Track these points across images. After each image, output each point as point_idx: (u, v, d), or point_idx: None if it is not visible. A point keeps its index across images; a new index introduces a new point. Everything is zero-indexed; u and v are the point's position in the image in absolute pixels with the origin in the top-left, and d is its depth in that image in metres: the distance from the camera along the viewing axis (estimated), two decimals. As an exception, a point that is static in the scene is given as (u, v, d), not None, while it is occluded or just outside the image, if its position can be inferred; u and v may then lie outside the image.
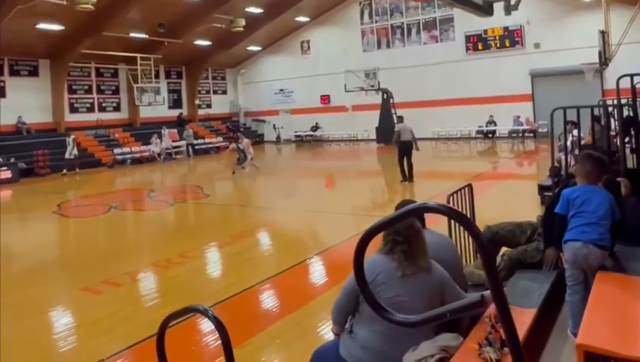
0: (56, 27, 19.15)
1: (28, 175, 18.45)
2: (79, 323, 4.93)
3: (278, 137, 29.34)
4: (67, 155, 19.24)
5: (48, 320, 5.13)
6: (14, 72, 20.97)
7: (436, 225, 3.17)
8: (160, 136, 22.92)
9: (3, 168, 17.67)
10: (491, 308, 2.36)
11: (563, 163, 5.92)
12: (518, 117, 21.99)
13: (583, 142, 6.36)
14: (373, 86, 24.42)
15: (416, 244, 2.54)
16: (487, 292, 1.16)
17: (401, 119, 12.85)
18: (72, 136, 19.65)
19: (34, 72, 21.59)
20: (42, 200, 14.40)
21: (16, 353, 4.32)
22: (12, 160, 18.40)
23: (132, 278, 6.20)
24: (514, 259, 3.45)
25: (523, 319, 2.42)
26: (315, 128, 28.18)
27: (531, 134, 21.78)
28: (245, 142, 16.50)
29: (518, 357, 1.07)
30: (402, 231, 2.53)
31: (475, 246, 1.16)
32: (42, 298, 5.76)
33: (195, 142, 24.94)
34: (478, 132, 23.27)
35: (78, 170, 19.41)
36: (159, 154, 22.46)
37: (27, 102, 21.04)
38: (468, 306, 1.25)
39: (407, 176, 11.84)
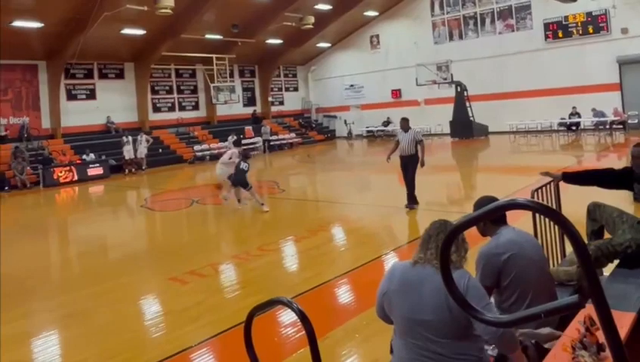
0: (139, 32, 20.27)
1: (117, 171, 19.63)
2: (168, 310, 5.20)
3: (350, 133, 29.42)
4: (127, 156, 19.63)
5: (140, 307, 5.46)
6: (103, 75, 22.40)
7: (515, 222, 3.08)
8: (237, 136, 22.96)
9: (95, 165, 18.99)
10: (585, 309, 2.27)
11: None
12: (594, 109, 20.53)
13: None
14: (445, 79, 23.81)
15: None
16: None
17: (404, 122, 9.10)
18: (128, 138, 19.81)
19: (120, 75, 22.97)
20: (131, 195, 15.40)
21: (110, 336, 4.62)
22: (103, 157, 19.60)
23: (215, 270, 6.49)
24: (603, 249, 3.24)
25: (621, 323, 2.26)
26: (387, 123, 27.91)
27: (620, 126, 20.32)
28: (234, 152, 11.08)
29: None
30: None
31: (572, 247, 1.13)
32: (134, 286, 6.15)
33: (270, 138, 25.63)
34: (560, 124, 21.98)
35: (127, 171, 19.68)
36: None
37: (115, 103, 22.43)
38: (565, 307, 1.23)
39: (407, 200, 9.05)
